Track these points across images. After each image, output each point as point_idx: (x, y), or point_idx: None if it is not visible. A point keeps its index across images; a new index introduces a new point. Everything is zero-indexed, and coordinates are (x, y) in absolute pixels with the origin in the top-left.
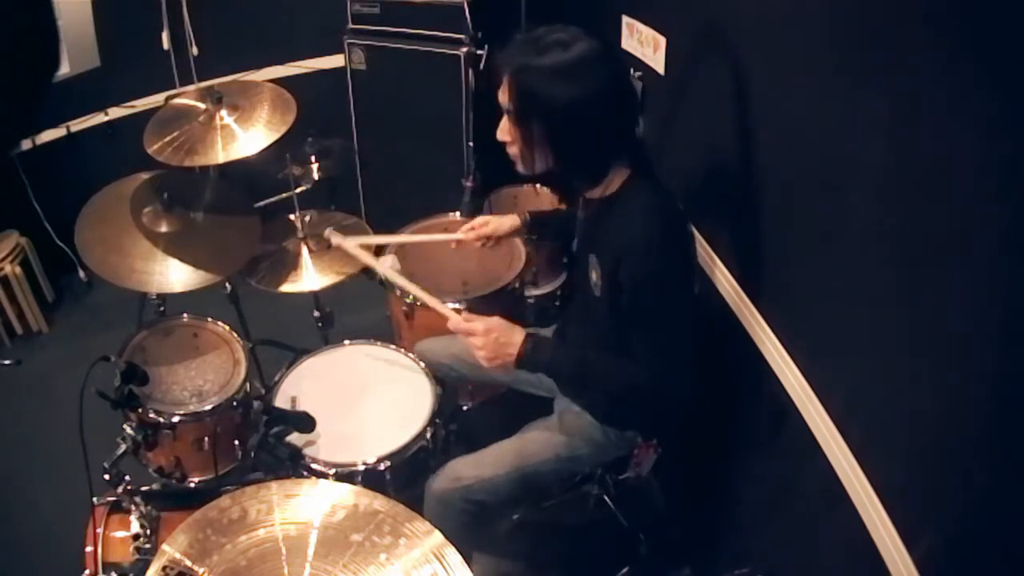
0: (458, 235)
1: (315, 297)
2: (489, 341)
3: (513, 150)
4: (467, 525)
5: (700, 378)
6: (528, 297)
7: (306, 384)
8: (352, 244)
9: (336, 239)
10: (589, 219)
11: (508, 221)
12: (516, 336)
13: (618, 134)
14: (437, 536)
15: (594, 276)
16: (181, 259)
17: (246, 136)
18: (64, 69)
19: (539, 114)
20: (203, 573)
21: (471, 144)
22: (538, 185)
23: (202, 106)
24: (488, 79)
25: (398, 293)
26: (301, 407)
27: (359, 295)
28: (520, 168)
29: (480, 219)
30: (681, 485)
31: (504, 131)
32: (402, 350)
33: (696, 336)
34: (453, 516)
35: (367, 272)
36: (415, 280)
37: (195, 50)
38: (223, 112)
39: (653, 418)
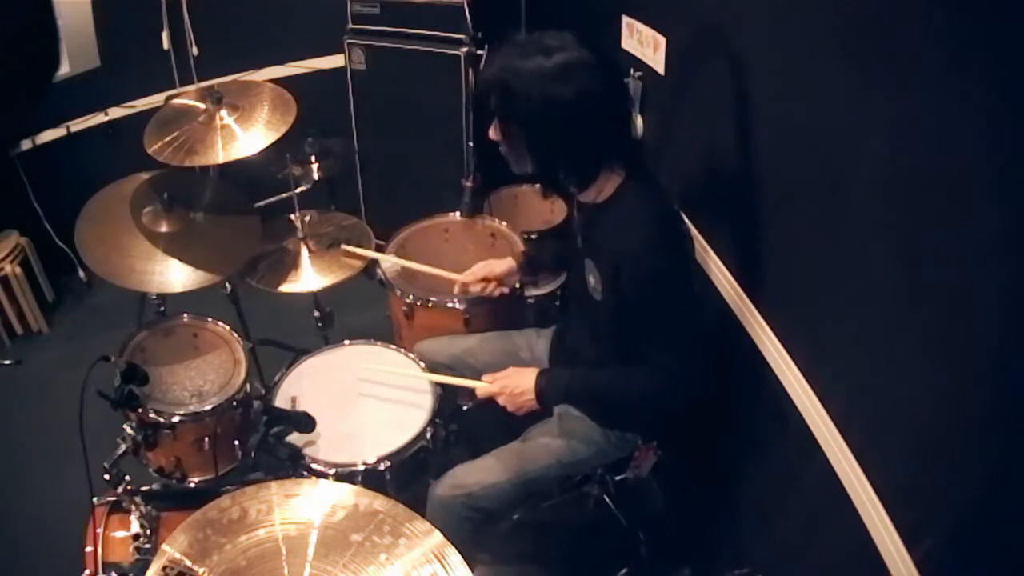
0: (459, 277)
1: (315, 297)
2: (508, 398)
3: (502, 148)
4: (469, 531)
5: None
6: (528, 297)
7: (306, 384)
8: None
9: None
10: (584, 223)
11: (504, 264)
12: (526, 380)
13: (603, 141)
14: (437, 536)
15: (592, 280)
16: (181, 259)
17: (246, 136)
18: (64, 69)
19: (516, 117)
20: (203, 573)
21: (471, 144)
22: (538, 185)
23: (202, 106)
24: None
25: (398, 294)
26: (301, 407)
27: (359, 295)
28: (512, 167)
29: (480, 264)
30: (681, 485)
31: (495, 130)
32: (402, 350)
33: (703, 328)
34: (455, 522)
35: (367, 272)
36: (415, 279)
37: (195, 50)
38: (223, 112)
39: (669, 417)
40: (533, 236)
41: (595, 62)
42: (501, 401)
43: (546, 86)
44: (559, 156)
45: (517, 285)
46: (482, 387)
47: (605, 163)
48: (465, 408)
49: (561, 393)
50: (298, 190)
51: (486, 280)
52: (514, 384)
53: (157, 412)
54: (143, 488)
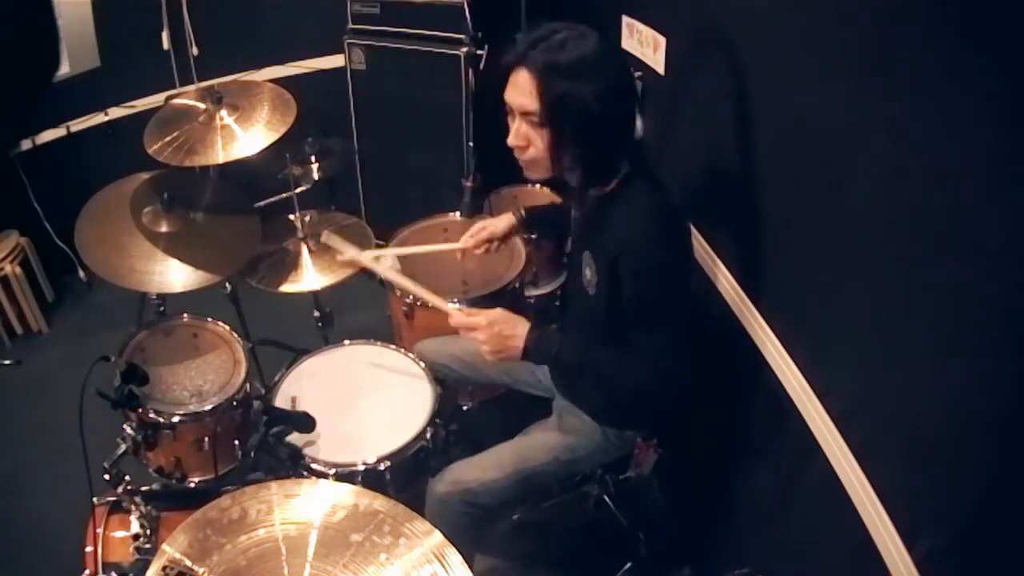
0: (459, 244)
1: (315, 297)
2: (492, 335)
3: (530, 154)
4: (468, 528)
5: (699, 377)
6: (528, 297)
7: (306, 384)
8: (341, 245)
9: (329, 240)
10: (585, 217)
11: (504, 221)
12: (520, 328)
13: (630, 128)
14: (437, 536)
15: (588, 273)
16: (181, 259)
17: (246, 136)
18: (64, 69)
19: (572, 112)
20: (203, 573)
21: (471, 144)
22: (538, 185)
23: (202, 106)
24: (493, 80)
25: (398, 293)
26: (301, 407)
27: (359, 295)
28: (532, 174)
29: (477, 225)
30: (681, 485)
31: (520, 135)
32: (402, 350)
33: (693, 334)
34: (454, 519)
35: (367, 272)
36: (415, 280)
37: (195, 50)
38: (223, 112)
39: (651, 415)
40: (533, 236)
41: (613, 47)
42: (481, 337)
43: (593, 74)
44: (604, 147)
45: (527, 236)
46: (460, 317)
47: (625, 154)
48: (465, 408)
49: (548, 355)
50: (298, 190)
51: (489, 241)
52: (503, 326)
53: (157, 412)
54: (143, 488)
